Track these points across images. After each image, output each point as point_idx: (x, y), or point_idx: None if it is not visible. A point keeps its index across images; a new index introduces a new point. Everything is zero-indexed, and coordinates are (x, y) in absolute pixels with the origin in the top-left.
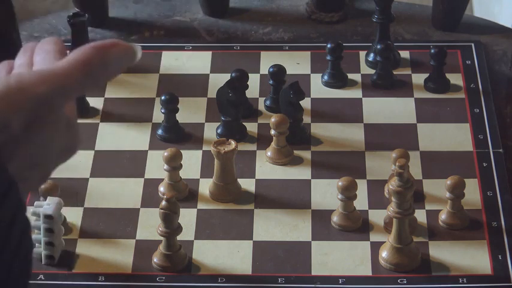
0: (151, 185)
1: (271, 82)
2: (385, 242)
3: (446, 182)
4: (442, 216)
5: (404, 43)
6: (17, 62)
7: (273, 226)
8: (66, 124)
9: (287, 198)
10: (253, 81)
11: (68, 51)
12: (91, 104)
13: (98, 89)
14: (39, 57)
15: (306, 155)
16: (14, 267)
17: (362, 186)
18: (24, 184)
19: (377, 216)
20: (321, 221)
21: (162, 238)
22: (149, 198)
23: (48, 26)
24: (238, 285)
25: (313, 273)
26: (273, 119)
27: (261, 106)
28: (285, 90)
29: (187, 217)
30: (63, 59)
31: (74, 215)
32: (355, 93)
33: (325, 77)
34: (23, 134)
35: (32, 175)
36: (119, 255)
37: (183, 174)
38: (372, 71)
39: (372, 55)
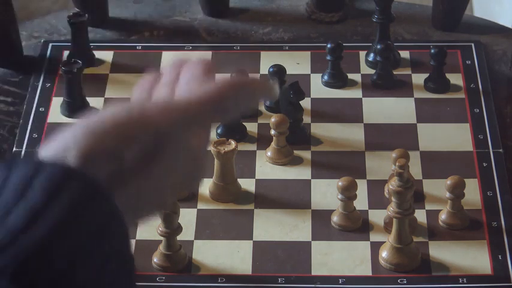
0: None
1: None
2: (385, 242)
3: (446, 182)
4: (442, 216)
5: (404, 43)
6: (164, 79)
7: (273, 226)
8: (190, 155)
9: (287, 198)
10: None
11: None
12: (91, 104)
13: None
14: (184, 79)
15: (306, 155)
16: None
17: (362, 186)
18: (135, 214)
19: (377, 216)
20: (321, 221)
21: (162, 238)
22: None
23: (48, 26)
24: (238, 285)
25: (313, 273)
26: (273, 119)
27: (261, 106)
28: (285, 90)
29: (187, 217)
30: (197, 91)
31: None
32: (355, 93)
33: (325, 77)
34: (136, 165)
35: (145, 205)
36: None
37: None
38: (372, 71)
39: (372, 55)
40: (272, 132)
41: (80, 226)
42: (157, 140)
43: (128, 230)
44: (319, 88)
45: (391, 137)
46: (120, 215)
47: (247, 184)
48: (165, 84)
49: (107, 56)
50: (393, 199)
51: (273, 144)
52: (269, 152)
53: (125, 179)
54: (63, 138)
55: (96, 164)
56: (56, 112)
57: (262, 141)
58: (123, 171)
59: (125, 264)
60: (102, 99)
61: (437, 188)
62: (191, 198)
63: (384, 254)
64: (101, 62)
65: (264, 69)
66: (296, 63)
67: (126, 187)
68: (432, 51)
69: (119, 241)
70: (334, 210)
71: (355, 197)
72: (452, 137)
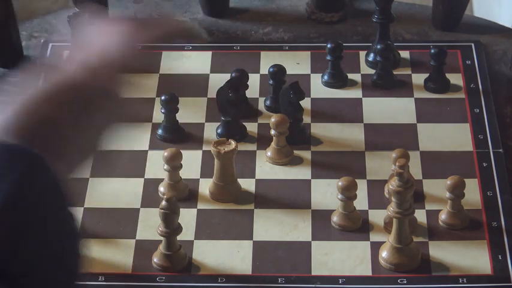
0: (151, 185)
1: (271, 82)
2: (385, 242)
3: (446, 182)
4: (442, 216)
5: (404, 43)
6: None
7: (273, 226)
8: (110, 100)
9: (287, 198)
10: (253, 81)
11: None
12: None
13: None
14: (99, 42)
15: (306, 155)
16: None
17: (362, 186)
18: (67, 161)
19: (377, 216)
20: (321, 221)
21: (162, 238)
22: (149, 198)
23: (48, 26)
24: (238, 285)
25: (313, 273)
26: (273, 119)
27: (261, 106)
28: (285, 90)
29: (187, 217)
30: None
31: None
32: (355, 93)
33: (325, 77)
34: (66, 119)
35: (75, 151)
36: (118, 255)
37: (183, 174)
38: (372, 71)
39: (372, 55)
40: (272, 132)
41: (31, 198)
42: (83, 96)
43: (67, 191)
44: (319, 88)
45: (391, 137)
46: (60, 181)
47: (247, 184)
48: (84, 49)
49: None
50: (393, 199)
51: (273, 144)
52: (269, 152)
53: (55, 131)
54: (1, 119)
55: (35, 135)
56: None
57: (262, 141)
58: (55, 127)
59: (69, 225)
60: None
61: (437, 188)
62: (191, 198)
63: (383, 254)
64: None
65: (264, 69)
66: (296, 63)
67: (56, 136)
68: (432, 51)
69: (61, 205)
70: (334, 210)
71: (355, 197)
72: (452, 137)
